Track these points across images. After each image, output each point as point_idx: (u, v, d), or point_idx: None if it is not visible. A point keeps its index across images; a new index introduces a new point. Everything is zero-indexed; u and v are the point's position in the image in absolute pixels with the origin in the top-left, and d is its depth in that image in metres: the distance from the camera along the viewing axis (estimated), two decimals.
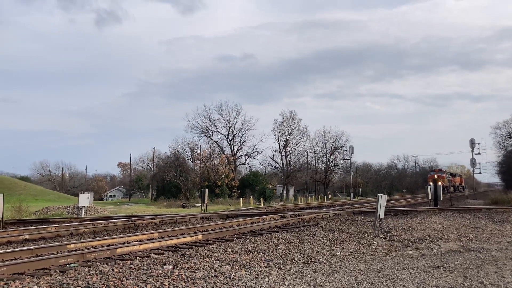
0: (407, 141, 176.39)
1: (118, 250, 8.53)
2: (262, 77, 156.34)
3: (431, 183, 64.24)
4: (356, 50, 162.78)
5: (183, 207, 39.39)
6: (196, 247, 9.70)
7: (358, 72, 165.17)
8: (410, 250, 10.58)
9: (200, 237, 10.68)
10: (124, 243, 10.02)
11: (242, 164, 61.70)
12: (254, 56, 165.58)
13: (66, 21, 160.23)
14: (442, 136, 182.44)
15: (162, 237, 11.01)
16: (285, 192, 62.23)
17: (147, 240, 10.43)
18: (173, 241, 9.94)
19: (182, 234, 11.51)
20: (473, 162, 51.92)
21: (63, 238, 12.05)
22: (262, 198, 44.80)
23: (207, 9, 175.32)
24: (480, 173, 58.44)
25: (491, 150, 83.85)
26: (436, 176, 62.02)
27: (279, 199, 55.83)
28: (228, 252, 9.27)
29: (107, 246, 9.55)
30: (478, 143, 52.17)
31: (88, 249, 9.05)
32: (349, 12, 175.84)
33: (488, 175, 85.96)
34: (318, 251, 10.01)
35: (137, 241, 10.20)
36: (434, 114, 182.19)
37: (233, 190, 51.44)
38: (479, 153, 52.57)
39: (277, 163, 64.26)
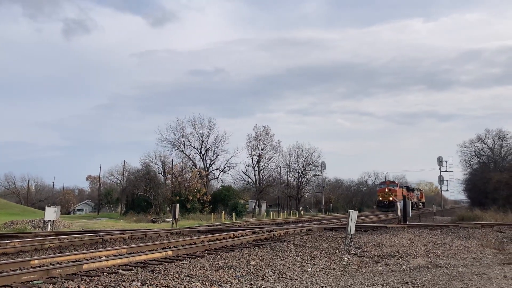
0: (377, 158, 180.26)
1: (85, 266, 8.27)
2: (236, 92, 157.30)
3: (380, 198, 58.80)
4: (328, 67, 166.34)
5: (153, 222, 38.67)
6: (166, 263, 9.51)
7: (330, 89, 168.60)
8: (380, 266, 10.69)
9: (170, 252, 10.48)
10: (91, 258, 9.73)
11: (214, 178, 61.29)
12: (227, 71, 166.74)
13: (33, 30, 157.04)
14: (411, 153, 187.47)
15: (131, 253, 10.74)
16: (257, 207, 62.06)
17: (115, 255, 10.16)
18: (142, 257, 9.72)
19: (152, 250, 11.27)
20: (441, 180, 53.24)
21: (27, 254, 11.59)
22: (234, 214, 44.51)
23: (179, 23, 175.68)
24: (447, 190, 59.79)
25: (458, 168, 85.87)
26: (387, 190, 60.08)
27: (251, 214, 55.61)
28: (198, 268, 9.13)
29: (73, 261, 9.24)
30: (446, 161, 53.64)
31: (53, 265, 8.74)
32: (322, 31, 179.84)
33: (455, 192, 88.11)
34: (289, 267, 9.99)
35: (105, 256, 9.93)
36: (403, 131, 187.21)
37: (205, 205, 50.93)
38: (446, 171, 53.98)
39: (250, 178, 64.23)
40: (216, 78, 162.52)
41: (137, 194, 51.32)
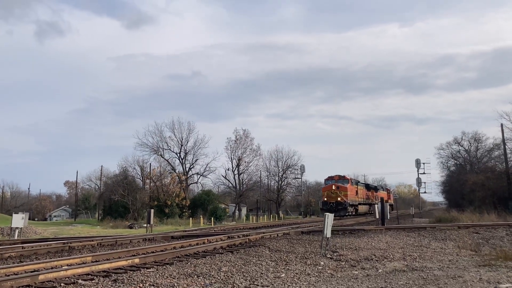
0: (357, 161, 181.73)
1: (41, 277, 7.72)
2: (215, 95, 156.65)
3: (325, 198, 46.26)
4: (306, 72, 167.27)
5: (130, 227, 37.84)
6: (131, 272, 9.01)
7: (308, 93, 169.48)
8: (356, 271, 10.41)
9: (137, 260, 9.98)
10: (52, 268, 9.16)
11: (194, 183, 60.60)
12: (206, 75, 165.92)
13: (4, 32, 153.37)
14: (390, 156, 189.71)
15: (96, 261, 10.20)
16: (237, 211, 61.57)
17: (78, 264, 9.61)
18: (106, 265, 9.20)
19: (119, 257, 10.75)
20: (419, 182, 53.61)
21: None
22: (212, 218, 43.93)
23: (157, 27, 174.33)
24: (425, 192, 60.18)
25: (436, 170, 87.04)
26: (334, 188, 46.49)
27: (231, 219, 55.08)
28: (165, 277, 8.67)
29: (31, 271, 8.67)
30: (423, 163, 54.05)
31: (8, 275, 8.15)
32: (300, 35, 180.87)
33: (433, 194, 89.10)
34: (262, 273, 9.61)
35: (67, 265, 9.37)
36: (382, 135, 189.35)
37: (184, 210, 50.19)
38: (424, 173, 54.42)
39: (230, 182, 63.74)
40: (194, 82, 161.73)
41: (114, 200, 50.30)
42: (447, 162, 66.04)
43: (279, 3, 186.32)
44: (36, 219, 76.81)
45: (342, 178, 48.33)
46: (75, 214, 74.78)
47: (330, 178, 49.28)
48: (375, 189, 62.53)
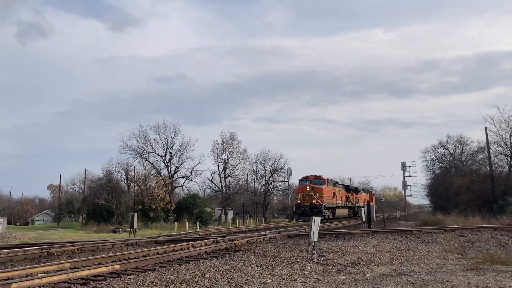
0: (343, 164, 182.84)
1: (14, 286, 7.33)
2: (202, 99, 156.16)
3: (299, 201, 42.59)
4: (293, 75, 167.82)
5: (114, 232, 37.16)
6: (111, 279, 8.65)
7: (295, 97, 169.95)
8: (343, 275, 10.20)
9: (117, 266, 9.60)
10: (27, 275, 8.75)
11: (179, 186, 59.89)
12: (192, 78, 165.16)
13: None
14: (376, 159, 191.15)
15: (75, 267, 9.80)
16: (223, 215, 61.08)
17: (56, 271, 9.21)
18: (85, 272, 8.81)
19: (100, 264, 10.36)
20: (405, 185, 53.87)
21: None
22: (198, 222, 43.44)
23: (142, 29, 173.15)
24: (411, 195, 60.52)
25: (421, 173, 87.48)
26: (308, 189, 42.85)
27: (217, 223, 54.60)
28: (146, 284, 8.34)
29: (5, 280, 8.25)
30: (409, 166, 54.36)
31: None
32: (286, 39, 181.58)
33: (419, 197, 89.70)
34: (247, 279, 9.34)
35: (43, 273, 8.96)
36: (368, 138, 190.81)
37: (169, 214, 49.57)
38: (409, 176, 54.73)
39: (216, 185, 63.18)
40: (181, 85, 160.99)
41: (98, 203, 49.47)
42: (432, 165, 66.55)
43: (266, 7, 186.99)
44: (18, 223, 75.27)
45: (318, 179, 44.25)
46: (58, 218, 73.45)
47: (304, 179, 45.34)
48: (356, 191, 59.22)
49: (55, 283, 7.92)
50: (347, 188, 54.98)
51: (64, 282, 8.09)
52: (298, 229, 22.94)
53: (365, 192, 64.68)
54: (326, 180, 44.85)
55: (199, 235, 22.13)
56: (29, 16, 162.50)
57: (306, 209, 42.04)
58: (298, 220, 43.38)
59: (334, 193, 46.57)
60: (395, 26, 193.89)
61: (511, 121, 41.06)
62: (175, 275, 9.33)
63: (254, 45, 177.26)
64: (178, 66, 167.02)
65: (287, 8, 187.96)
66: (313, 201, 41.98)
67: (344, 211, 50.28)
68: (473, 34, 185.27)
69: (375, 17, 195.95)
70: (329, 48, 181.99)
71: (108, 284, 8.04)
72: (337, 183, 51.19)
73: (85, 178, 64.82)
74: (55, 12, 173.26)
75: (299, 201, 43.67)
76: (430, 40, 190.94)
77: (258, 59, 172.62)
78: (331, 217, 45.04)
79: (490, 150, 43.01)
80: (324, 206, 42.30)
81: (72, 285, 7.92)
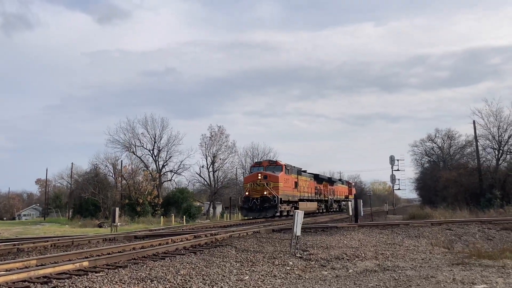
0: (333, 158, 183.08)
1: None
2: (191, 92, 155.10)
3: (247, 193, 32.12)
4: (282, 69, 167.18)
5: (100, 226, 36.56)
6: (76, 277, 8.11)
7: (285, 91, 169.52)
8: (325, 271, 9.79)
9: (86, 263, 9.06)
10: None
11: (167, 180, 59.25)
12: (182, 72, 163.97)
13: None
14: (365, 153, 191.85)
15: (41, 265, 9.26)
16: (211, 209, 60.59)
17: (19, 269, 8.65)
18: (49, 270, 8.27)
19: (69, 260, 9.82)
20: (393, 178, 53.61)
21: None
22: (184, 216, 42.91)
23: (131, 22, 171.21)
24: (399, 189, 60.34)
25: (410, 167, 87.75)
26: (260, 177, 33.20)
27: (206, 217, 54.11)
28: (114, 282, 7.82)
29: None
30: (398, 160, 54.01)
31: None
32: (276, 33, 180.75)
33: (407, 191, 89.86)
34: (224, 276, 8.87)
35: (5, 271, 8.40)
36: (357, 132, 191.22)
37: (156, 208, 48.97)
38: (398, 170, 54.49)
39: (205, 179, 62.59)
40: (170, 79, 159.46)
41: (84, 198, 48.75)
42: (421, 159, 66.71)
43: (255, 1, 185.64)
44: (5, 218, 74.14)
45: (273, 164, 35.10)
46: (45, 213, 72.49)
47: (257, 165, 36.50)
48: (330, 181, 50.42)
49: (13, 282, 7.37)
50: (318, 178, 45.55)
51: (24, 281, 7.53)
52: (284, 224, 22.53)
53: (342, 184, 57.76)
54: (283, 166, 34.77)
55: (182, 229, 21.62)
56: (14, 8, 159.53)
57: (256, 203, 32.67)
58: (246, 218, 34.44)
59: (296, 183, 36.92)
60: (384, 20, 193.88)
61: (499, 115, 40.99)
62: (147, 272, 8.83)
63: (244, 39, 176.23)
64: (167, 60, 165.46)
65: (276, 1, 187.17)
66: (265, 193, 32.52)
67: (311, 206, 41.22)
68: (462, 29, 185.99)
69: (364, 11, 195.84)
70: (318, 42, 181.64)
71: (72, 283, 7.50)
72: (304, 171, 41.32)
73: (71, 172, 63.89)
74: (41, 4, 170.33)
75: (247, 193, 33.81)
76: (419, 35, 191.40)
77: (248, 53, 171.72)
78: (291, 213, 33.65)
79: (478, 143, 42.96)
80: (281, 199, 32.78)
81: (32, 284, 7.37)
